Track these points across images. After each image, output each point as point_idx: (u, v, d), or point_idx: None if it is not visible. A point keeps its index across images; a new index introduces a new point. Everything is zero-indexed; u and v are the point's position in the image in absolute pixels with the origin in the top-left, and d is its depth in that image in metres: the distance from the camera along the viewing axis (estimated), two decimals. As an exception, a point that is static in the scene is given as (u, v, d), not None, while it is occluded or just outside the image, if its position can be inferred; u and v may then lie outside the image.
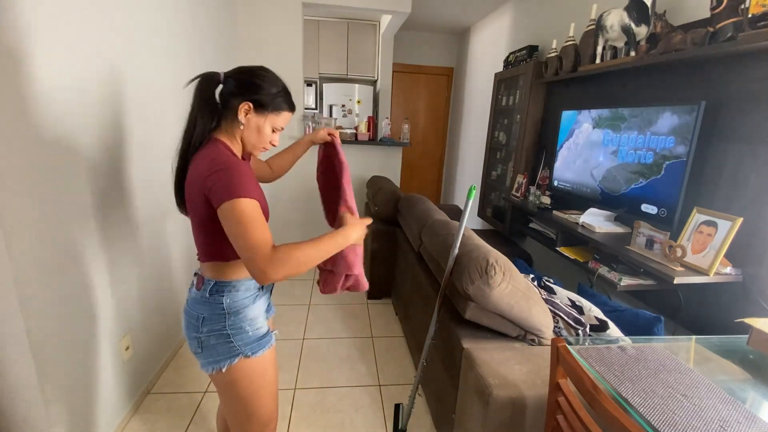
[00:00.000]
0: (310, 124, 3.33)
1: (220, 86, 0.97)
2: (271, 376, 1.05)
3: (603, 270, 1.75)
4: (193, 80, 0.96)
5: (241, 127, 0.97)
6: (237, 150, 0.99)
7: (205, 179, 0.87)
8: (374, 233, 2.65)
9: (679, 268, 1.47)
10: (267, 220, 0.91)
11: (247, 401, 1.02)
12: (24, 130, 1.07)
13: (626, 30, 1.76)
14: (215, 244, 0.95)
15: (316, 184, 1.33)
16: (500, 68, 3.24)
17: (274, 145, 1.05)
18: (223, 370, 0.97)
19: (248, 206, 0.83)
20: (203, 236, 0.97)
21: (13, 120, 1.04)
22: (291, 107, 1.03)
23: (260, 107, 0.96)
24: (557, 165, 2.38)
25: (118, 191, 1.52)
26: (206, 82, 0.96)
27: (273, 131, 1.01)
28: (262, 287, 1.07)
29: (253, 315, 1.00)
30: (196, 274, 1.04)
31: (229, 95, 0.96)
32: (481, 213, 3.55)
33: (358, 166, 3.53)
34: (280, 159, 1.32)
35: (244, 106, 0.95)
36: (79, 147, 1.29)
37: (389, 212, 2.58)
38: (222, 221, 0.85)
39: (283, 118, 1.02)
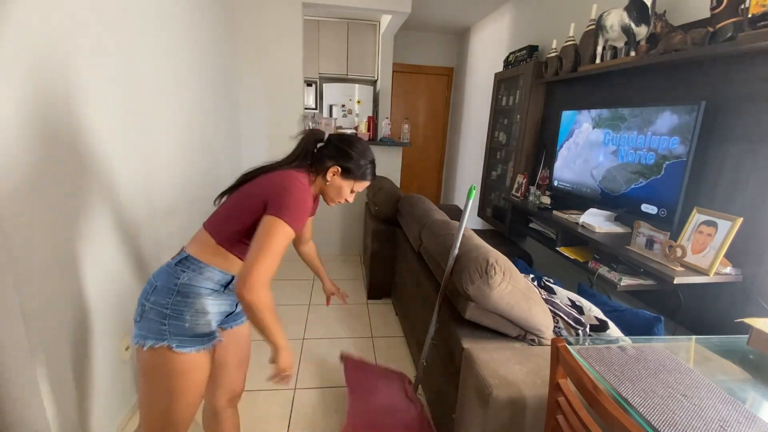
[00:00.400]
0: (310, 123, 3.34)
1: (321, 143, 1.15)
2: (194, 381, 0.99)
3: (603, 270, 1.75)
4: (302, 133, 1.16)
5: (327, 183, 1.12)
6: (315, 190, 1.16)
7: (278, 189, 0.98)
8: (374, 233, 2.65)
9: (679, 268, 1.47)
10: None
11: (158, 395, 0.98)
12: (24, 129, 1.07)
13: (626, 30, 1.76)
14: (230, 227, 1.02)
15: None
16: (500, 68, 3.24)
17: (348, 201, 1.19)
18: (144, 348, 0.95)
19: (286, 234, 0.93)
20: (230, 217, 1.04)
21: (12, 120, 1.04)
22: (373, 178, 1.19)
23: (347, 173, 1.12)
24: (557, 165, 2.38)
25: (118, 192, 1.52)
26: (312, 137, 1.14)
27: (351, 192, 1.17)
28: (225, 288, 1.05)
29: (201, 307, 0.99)
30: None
31: (326, 156, 1.12)
32: (481, 213, 3.55)
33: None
34: (310, 253, 1.49)
35: (333, 169, 1.11)
36: (79, 147, 1.29)
37: (389, 212, 2.58)
38: (260, 225, 0.93)
39: (363, 185, 1.18)
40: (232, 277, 1.05)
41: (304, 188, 1.00)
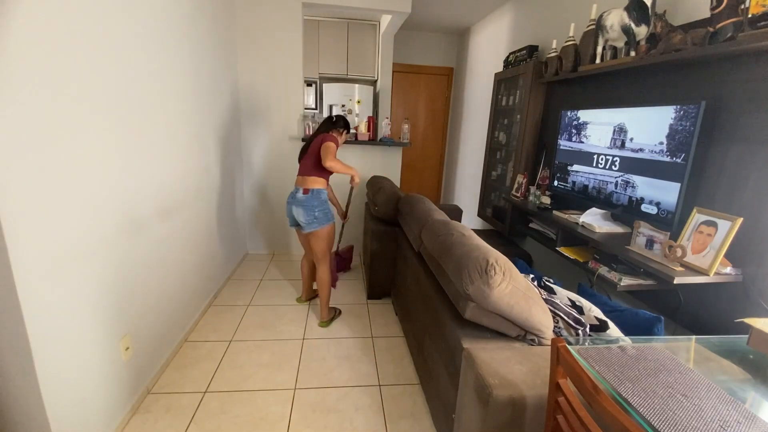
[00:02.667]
0: (310, 123, 3.34)
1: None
2: (334, 232, 2.36)
3: (603, 270, 1.75)
4: (329, 117, 2.42)
5: (338, 136, 2.40)
6: (338, 137, 2.38)
7: (325, 140, 2.20)
8: (374, 233, 2.65)
9: (679, 268, 1.47)
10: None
11: (328, 242, 2.32)
12: (23, 129, 1.07)
13: (626, 30, 1.76)
14: (318, 164, 2.22)
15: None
16: (500, 68, 3.24)
17: (339, 144, 2.36)
18: (324, 227, 2.25)
19: (333, 145, 2.19)
20: (316, 157, 2.23)
21: (12, 120, 1.04)
22: (349, 129, 2.50)
23: (348, 128, 2.49)
24: (557, 165, 2.38)
25: (118, 192, 1.52)
26: (329, 119, 2.41)
27: (340, 137, 2.44)
28: (325, 192, 2.31)
29: (329, 204, 2.33)
30: (297, 190, 2.25)
31: (334, 125, 2.41)
32: (481, 213, 3.55)
33: (359, 166, 3.53)
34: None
35: (341, 131, 2.44)
36: (79, 147, 1.29)
37: (389, 212, 2.58)
38: (322, 147, 2.18)
39: (343, 137, 2.47)
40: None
41: (335, 138, 2.27)
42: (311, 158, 2.23)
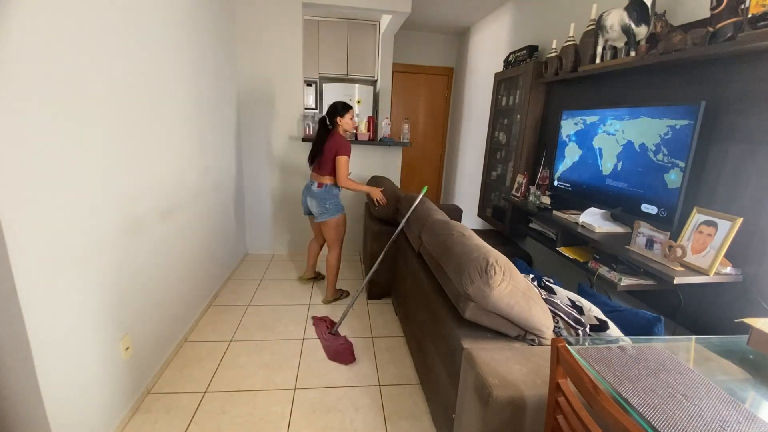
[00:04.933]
0: (310, 123, 3.34)
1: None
2: (344, 222, 2.60)
3: (603, 270, 1.75)
4: (319, 120, 2.54)
5: (340, 125, 2.48)
6: (343, 134, 2.50)
7: (338, 145, 2.39)
8: (374, 233, 2.65)
9: (679, 268, 1.47)
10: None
11: (338, 231, 2.57)
12: (23, 130, 1.07)
13: (626, 30, 1.76)
14: (332, 170, 2.43)
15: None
16: (500, 68, 3.24)
17: (355, 124, 2.74)
18: (334, 217, 2.51)
19: (346, 159, 2.42)
20: (330, 166, 2.43)
21: (12, 120, 1.04)
22: (350, 107, 2.49)
23: (343, 113, 2.46)
24: (557, 164, 2.38)
25: (118, 193, 1.52)
26: (322, 119, 2.52)
27: (351, 118, 2.49)
28: (338, 188, 2.53)
29: (339, 198, 2.56)
30: (312, 183, 2.52)
31: (331, 117, 2.48)
32: (481, 213, 3.55)
33: (359, 166, 3.54)
34: None
35: (337, 119, 2.46)
36: (80, 147, 1.29)
37: (389, 212, 2.58)
38: (336, 161, 2.40)
39: (350, 114, 2.49)
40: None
41: (341, 139, 2.43)
42: (327, 167, 2.44)
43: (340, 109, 2.44)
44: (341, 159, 2.37)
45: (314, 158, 2.51)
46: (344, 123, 2.45)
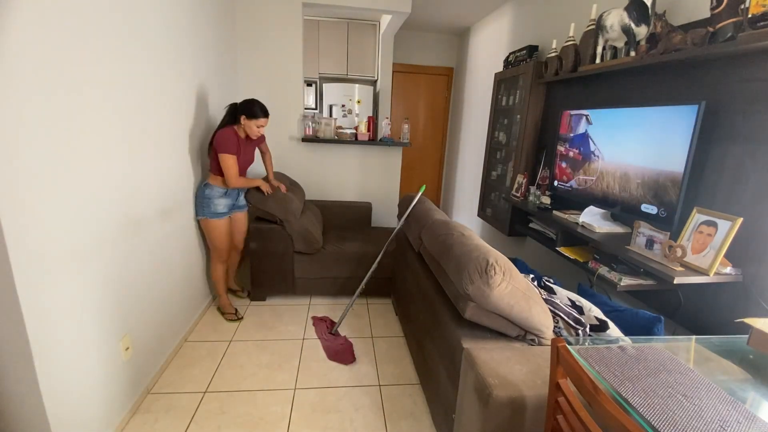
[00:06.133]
0: (310, 124, 3.34)
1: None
2: (220, 232, 2.29)
3: (603, 270, 1.75)
4: (229, 105, 2.27)
5: (242, 125, 2.21)
6: (241, 133, 2.24)
7: (217, 141, 2.13)
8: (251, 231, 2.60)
9: (679, 268, 1.47)
10: (245, 166, 2.37)
11: (210, 236, 2.31)
12: (24, 130, 1.07)
13: (626, 30, 1.76)
14: (216, 167, 2.19)
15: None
16: (500, 68, 3.24)
17: (259, 134, 2.27)
18: (206, 218, 2.24)
19: (230, 158, 2.14)
20: (215, 162, 2.18)
21: (12, 120, 1.04)
22: (265, 115, 2.22)
23: (250, 117, 2.18)
24: (557, 165, 2.38)
25: (118, 192, 1.52)
26: (232, 107, 2.25)
27: (258, 127, 2.22)
28: (227, 192, 2.28)
29: (216, 202, 2.24)
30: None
31: (238, 113, 2.20)
32: (481, 213, 3.55)
33: (359, 166, 3.54)
34: (266, 159, 2.64)
35: (241, 117, 2.18)
36: (79, 147, 1.29)
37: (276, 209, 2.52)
38: (219, 159, 2.12)
39: (261, 121, 2.21)
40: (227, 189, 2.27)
41: (224, 134, 2.14)
42: (212, 162, 2.21)
43: (250, 112, 2.14)
44: (223, 157, 2.10)
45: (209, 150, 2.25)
46: (246, 125, 2.17)
